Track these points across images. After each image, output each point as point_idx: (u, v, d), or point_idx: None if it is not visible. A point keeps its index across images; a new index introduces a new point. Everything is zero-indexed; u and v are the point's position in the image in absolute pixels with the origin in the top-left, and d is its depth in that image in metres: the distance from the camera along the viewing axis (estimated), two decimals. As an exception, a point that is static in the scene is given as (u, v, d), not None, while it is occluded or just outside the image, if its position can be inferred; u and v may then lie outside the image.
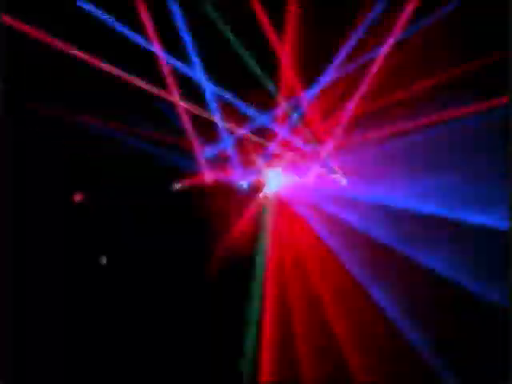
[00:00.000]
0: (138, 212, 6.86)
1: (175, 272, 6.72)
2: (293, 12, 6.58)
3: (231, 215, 6.87)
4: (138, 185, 6.87)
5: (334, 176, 6.95)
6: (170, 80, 6.64)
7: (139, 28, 6.46)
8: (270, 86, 6.77)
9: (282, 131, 6.97)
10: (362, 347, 6.38)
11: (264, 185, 7.06)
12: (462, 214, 6.36)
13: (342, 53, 6.72)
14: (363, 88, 6.73)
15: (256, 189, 7.04)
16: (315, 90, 6.85)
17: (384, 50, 6.60)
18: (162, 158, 6.85)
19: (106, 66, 6.35)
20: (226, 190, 6.96)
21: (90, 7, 6.25)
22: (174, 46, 6.58)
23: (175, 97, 6.70)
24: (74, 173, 6.80)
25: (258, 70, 6.70)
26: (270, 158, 7.04)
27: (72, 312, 6.52)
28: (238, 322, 6.59)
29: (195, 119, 6.80)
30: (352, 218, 6.74)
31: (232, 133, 6.89)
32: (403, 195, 6.60)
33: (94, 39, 6.30)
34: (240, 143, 6.98)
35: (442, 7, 6.44)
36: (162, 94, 6.62)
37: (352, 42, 6.66)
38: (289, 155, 7.01)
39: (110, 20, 6.34)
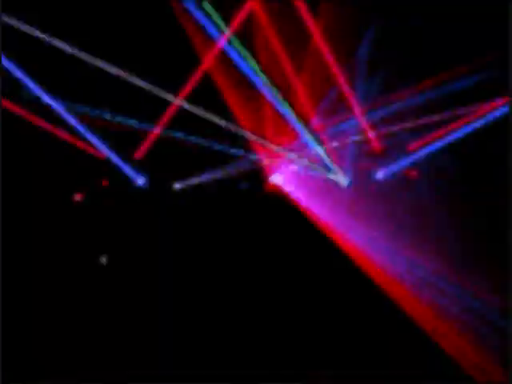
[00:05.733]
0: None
1: (173, 272, 6.74)
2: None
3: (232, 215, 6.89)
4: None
5: (334, 176, 6.97)
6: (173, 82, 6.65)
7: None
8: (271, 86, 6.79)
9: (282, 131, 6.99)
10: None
11: (265, 184, 7.07)
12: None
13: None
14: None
15: (255, 187, 7.05)
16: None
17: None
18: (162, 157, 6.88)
19: (107, 66, 6.35)
20: (226, 190, 6.98)
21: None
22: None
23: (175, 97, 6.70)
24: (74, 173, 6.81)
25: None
26: (271, 158, 7.05)
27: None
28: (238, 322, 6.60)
29: (197, 119, 6.79)
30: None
31: (235, 133, 6.88)
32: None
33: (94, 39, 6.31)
34: (242, 143, 6.98)
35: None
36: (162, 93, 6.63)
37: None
38: (289, 155, 7.02)
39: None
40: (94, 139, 6.65)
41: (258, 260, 6.72)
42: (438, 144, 6.64)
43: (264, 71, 6.69)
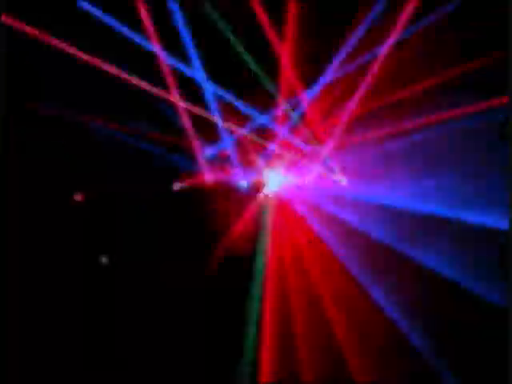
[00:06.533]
0: (137, 212, 6.87)
1: (174, 272, 6.72)
2: (293, 12, 6.58)
3: (231, 215, 6.87)
4: (137, 185, 6.90)
5: (333, 176, 6.95)
6: (169, 80, 6.64)
7: (139, 28, 6.46)
8: (270, 86, 6.77)
9: (282, 131, 6.97)
10: (362, 347, 6.38)
11: (264, 185, 7.06)
12: (462, 213, 6.37)
13: (342, 53, 6.73)
14: (363, 88, 6.73)
15: (256, 189, 7.04)
16: (315, 89, 6.85)
17: (384, 49, 6.59)
18: (162, 158, 6.86)
19: (107, 66, 6.35)
20: (226, 190, 6.96)
21: (90, 7, 6.27)
22: (174, 45, 6.58)
23: (175, 97, 6.69)
24: (74, 173, 6.80)
25: (258, 70, 6.70)
26: (270, 158, 7.04)
27: (72, 312, 6.54)
28: (238, 322, 6.59)
29: (195, 119, 6.79)
30: (352, 217, 6.74)
31: (232, 133, 6.88)
32: (403, 195, 6.61)
33: (94, 39, 6.31)
34: (240, 143, 6.98)
35: (442, 7, 6.44)
36: (162, 94, 6.62)
37: (352, 41, 6.66)
38: (289, 155, 7.01)
39: (110, 20, 6.35)
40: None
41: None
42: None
43: (265, 70, 6.72)
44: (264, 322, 6.63)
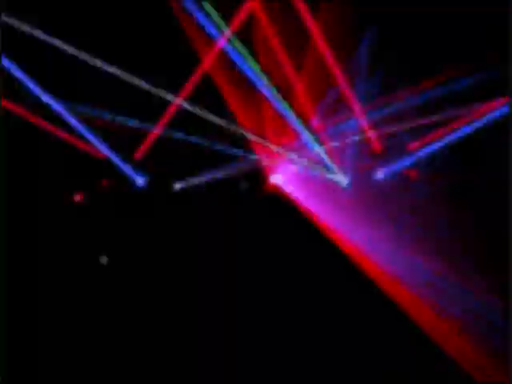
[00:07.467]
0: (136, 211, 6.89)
1: (173, 272, 6.74)
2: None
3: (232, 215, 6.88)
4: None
5: (333, 176, 6.97)
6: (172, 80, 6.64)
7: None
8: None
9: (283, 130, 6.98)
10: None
11: (265, 183, 7.06)
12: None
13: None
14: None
15: (257, 187, 7.05)
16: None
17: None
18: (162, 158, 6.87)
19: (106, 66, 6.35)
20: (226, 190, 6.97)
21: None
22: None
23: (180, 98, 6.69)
24: (74, 173, 6.81)
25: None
26: (271, 158, 7.04)
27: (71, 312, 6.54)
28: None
29: (197, 119, 6.77)
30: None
31: (236, 132, 6.87)
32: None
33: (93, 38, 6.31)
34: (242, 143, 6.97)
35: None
36: (162, 93, 6.62)
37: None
38: (289, 155, 7.01)
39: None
40: (93, 139, 6.67)
41: (258, 260, 6.73)
42: (438, 144, 6.64)
43: (264, 71, 6.69)
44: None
